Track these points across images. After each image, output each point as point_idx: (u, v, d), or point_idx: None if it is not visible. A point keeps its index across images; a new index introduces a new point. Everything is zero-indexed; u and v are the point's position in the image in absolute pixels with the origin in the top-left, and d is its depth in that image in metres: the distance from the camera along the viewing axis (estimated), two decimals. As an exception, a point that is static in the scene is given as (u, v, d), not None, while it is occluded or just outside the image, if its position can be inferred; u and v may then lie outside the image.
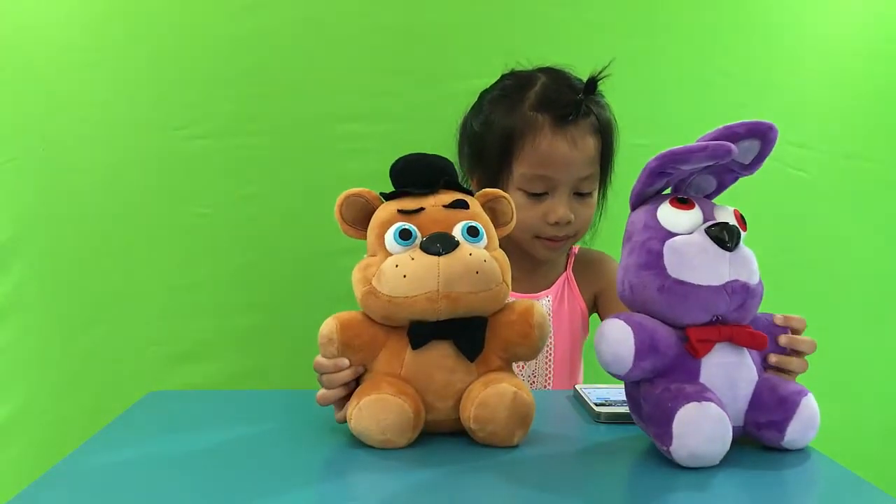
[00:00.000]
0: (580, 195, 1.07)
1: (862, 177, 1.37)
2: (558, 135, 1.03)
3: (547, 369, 1.13)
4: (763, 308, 0.70)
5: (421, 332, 0.68)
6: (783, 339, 0.72)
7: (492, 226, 0.73)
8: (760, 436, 0.67)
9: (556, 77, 1.09)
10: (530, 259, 1.10)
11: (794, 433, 0.66)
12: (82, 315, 1.24)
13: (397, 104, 1.26)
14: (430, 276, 0.66)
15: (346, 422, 0.70)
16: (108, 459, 0.65)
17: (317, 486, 0.62)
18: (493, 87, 1.12)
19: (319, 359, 0.72)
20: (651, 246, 0.66)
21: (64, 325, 1.23)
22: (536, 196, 1.05)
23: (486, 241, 0.71)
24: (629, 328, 0.64)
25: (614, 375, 0.65)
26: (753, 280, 0.66)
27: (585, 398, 0.81)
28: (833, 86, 1.35)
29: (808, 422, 0.66)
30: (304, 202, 1.25)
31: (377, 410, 0.66)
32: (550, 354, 1.13)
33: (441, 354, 0.69)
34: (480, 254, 0.69)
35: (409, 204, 0.71)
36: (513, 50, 1.15)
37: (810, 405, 0.66)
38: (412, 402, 0.67)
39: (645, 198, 0.69)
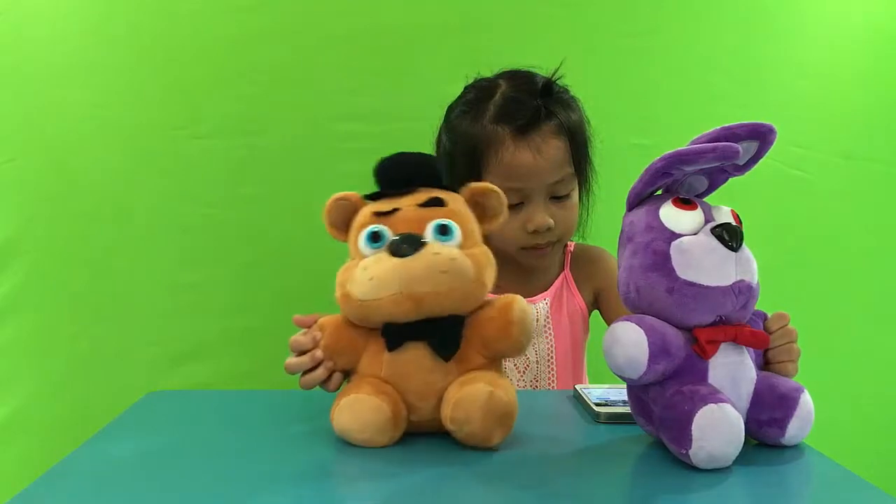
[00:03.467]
0: (557, 199, 1.05)
1: (862, 177, 1.37)
2: (521, 145, 1.01)
3: (549, 372, 1.12)
4: (761, 308, 0.71)
5: (394, 334, 0.68)
6: (778, 330, 0.71)
7: (472, 222, 0.71)
8: (761, 433, 0.67)
9: (515, 83, 1.06)
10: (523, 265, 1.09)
11: (794, 429, 0.66)
12: (82, 315, 1.24)
13: (397, 104, 1.26)
14: (392, 277, 0.66)
15: (313, 386, 0.72)
16: (107, 459, 0.65)
17: (317, 485, 0.62)
18: (457, 100, 1.11)
19: (289, 361, 0.72)
20: (657, 247, 0.65)
21: (64, 325, 1.23)
22: (512, 207, 1.01)
23: (458, 238, 0.69)
24: (642, 331, 0.63)
25: (626, 379, 0.64)
26: (755, 280, 0.66)
27: (585, 398, 0.81)
28: (833, 86, 1.35)
29: (806, 417, 0.67)
30: (304, 202, 1.24)
31: (355, 410, 0.67)
32: (552, 357, 1.12)
33: (418, 355, 0.68)
34: (448, 252, 0.67)
35: (384, 205, 0.70)
36: (513, 50, 1.15)
37: (807, 401, 0.67)
38: (390, 401, 0.67)
39: (643, 198, 0.69)
